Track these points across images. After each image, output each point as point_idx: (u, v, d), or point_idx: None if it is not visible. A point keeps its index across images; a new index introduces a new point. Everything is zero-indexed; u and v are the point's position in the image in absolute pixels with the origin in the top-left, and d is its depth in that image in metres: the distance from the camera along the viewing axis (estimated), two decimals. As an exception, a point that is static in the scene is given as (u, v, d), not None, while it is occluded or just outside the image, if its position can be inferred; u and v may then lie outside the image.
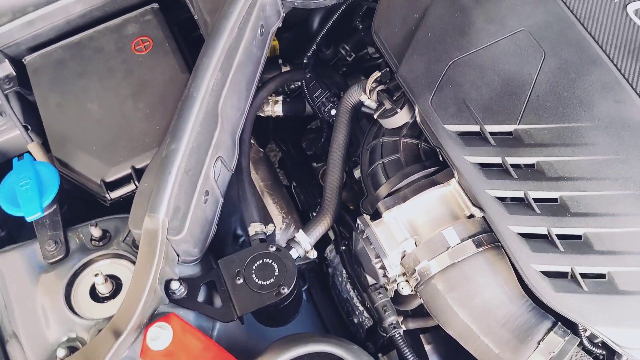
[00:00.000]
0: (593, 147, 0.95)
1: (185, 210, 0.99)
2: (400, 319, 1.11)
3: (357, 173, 1.24)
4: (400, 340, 1.03)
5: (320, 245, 1.28)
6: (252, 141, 1.47)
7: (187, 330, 0.94)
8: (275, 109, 1.42)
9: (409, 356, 1.02)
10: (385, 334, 1.05)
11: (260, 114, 1.43)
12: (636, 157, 0.93)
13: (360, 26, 1.44)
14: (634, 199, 0.91)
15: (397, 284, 1.00)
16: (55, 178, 1.09)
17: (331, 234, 1.34)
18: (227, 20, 1.08)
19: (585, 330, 0.94)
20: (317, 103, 1.32)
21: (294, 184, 1.52)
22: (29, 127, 1.26)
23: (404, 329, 1.08)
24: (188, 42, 1.37)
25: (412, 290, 1.00)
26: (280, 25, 1.26)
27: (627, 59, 1.01)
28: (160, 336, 0.91)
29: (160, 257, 0.95)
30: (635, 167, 0.93)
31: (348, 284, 1.27)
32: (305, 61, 1.39)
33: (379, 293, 1.04)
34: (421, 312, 1.15)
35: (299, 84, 1.45)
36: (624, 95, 0.98)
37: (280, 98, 1.43)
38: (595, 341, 0.96)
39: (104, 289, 1.00)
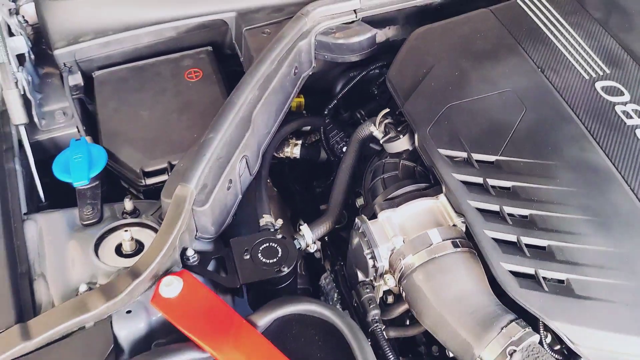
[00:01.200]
0: (560, 180, 1.13)
1: (210, 188, 1.16)
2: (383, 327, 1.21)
3: (359, 201, 1.41)
4: (380, 335, 1.13)
5: (314, 276, 1.42)
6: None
7: (197, 285, 1.07)
8: (294, 150, 1.63)
9: (387, 351, 1.11)
10: (367, 328, 1.15)
11: (280, 155, 1.63)
12: (596, 192, 1.11)
13: (376, 92, 1.69)
14: (592, 223, 1.07)
15: (384, 279, 1.14)
16: (103, 157, 1.28)
17: (327, 266, 1.48)
18: (270, 52, 1.33)
19: (545, 333, 1.05)
20: (332, 142, 1.53)
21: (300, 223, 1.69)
22: (85, 128, 1.47)
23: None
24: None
25: (396, 285, 1.13)
26: (310, 73, 1.51)
27: (593, 120, 1.22)
28: (172, 284, 1.04)
29: (184, 220, 1.10)
30: (595, 200, 1.10)
31: (339, 304, 1.38)
32: (325, 112, 1.63)
33: (366, 288, 1.17)
34: (402, 322, 1.25)
35: (317, 138, 1.68)
36: (588, 145, 1.18)
37: (300, 142, 1.64)
38: (555, 347, 1.06)
39: (128, 246, 1.14)
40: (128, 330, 1.02)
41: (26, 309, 1.06)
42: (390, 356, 1.10)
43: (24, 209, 1.23)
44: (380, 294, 1.22)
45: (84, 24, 1.50)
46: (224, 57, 1.67)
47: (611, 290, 1.01)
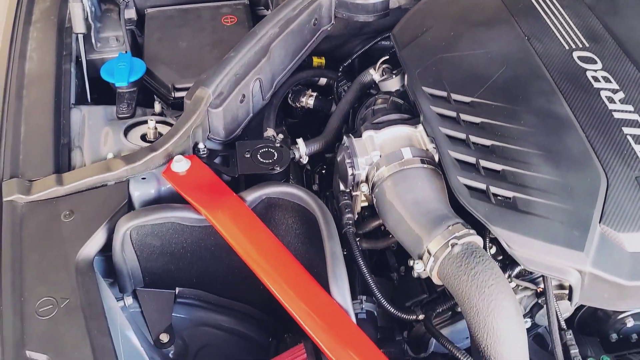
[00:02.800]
0: (523, 121, 1.30)
1: (225, 96, 1.38)
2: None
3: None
4: (350, 235, 1.30)
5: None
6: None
7: (202, 167, 1.28)
8: (308, 101, 1.84)
9: (354, 247, 1.28)
10: (340, 229, 1.33)
11: (296, 104, 1.84)
12: (552, 133, 1.27)
13: (388, 57, 1.88)
14: (543, 157, 1.23)
15: (360, 187, 1.32)
16: (142, 67, 1.53)
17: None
18: (293, 1, 1.56)
19: (490, 245, 1.21)
20: (340, 90, 1.74)
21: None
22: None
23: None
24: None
25: (368, 192, 1.31)
26: (328, 30, 1.72)
27: (564, 80, 1.38)
28: (182, 162, 1.26)
29: (199, 116, 1.32)
30: (550, 140, 1.26)
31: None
32: (340, 69, 1.83)
33: (344, 196, 1.35)
34: (375, 235, 1.43)
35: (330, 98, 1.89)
36: (555, 98, 1.34)
37: (315, 94, 1.85)
38: (498, 258, 1.22)
39: (152, 134, 1.37)
40: (141, 192, 1.24)
41: (63, 166, 1.29)
42: (357, 252, 1.27)
43: (72, 100, 1.49)
44: (358, 208, 1.40)
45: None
46: (255, 17, 1.91)
47: (550, 209, 1.16)
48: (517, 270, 1.20)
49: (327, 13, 1.67)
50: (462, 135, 1.28)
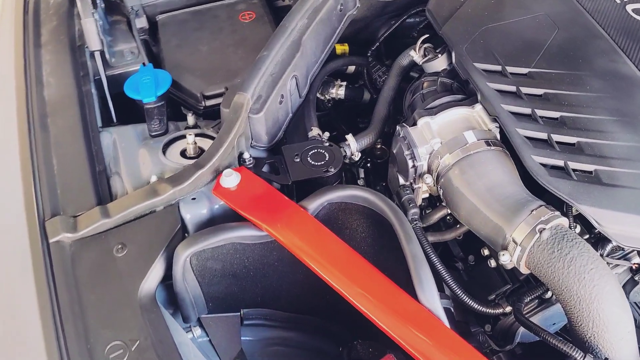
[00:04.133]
0: (590, 87, 1.20)
1: (265, 99, 1.28)
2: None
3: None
4: (419, 231, 1.22)
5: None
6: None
7: (253, 178, 1.19)
8: (338, 91, 1.74)
9: (425, 244, 1.20)
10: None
11: (325, 96, 1.74)
12: (624, 95, 1.18)
13: (416, 34, 1.78)
14: (619, 123, 1.14)
15: (423, 178, 1.23)
16: (168, 79, 1.43)
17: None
18: (318, -14, 1.45)
19: (574, 224, 1.12)
20: (375, 76, 1.64)
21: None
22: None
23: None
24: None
25: (433, 184, 1.22)
26: (355, 14, 1.62)
27: (623, 36, 1.29)
28: (231, 175, 1.17)
29: (241, 124, 1.23)
30: (623, 102, 1.17)
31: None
32: (369, 54, 1.73)
33: (406, 190, 1.26)
34: (439, 228, 1.35)
35: (361, 83, 1.79)
36: (617, 57, 1.25)
37: (344, 83, 1.75)
38: (584, 237, 1.13)
39: (192, 150, 1.28)
40: (192, 214, 1.15)
41: (104, 196, 1.20)
42: (427, 248, 1.19)
43: (99, 123, 1.39)
44: (420, 201, 1.31)
45: (150, -29, 1.66)
46: (272, 10, 1.80)
47: (637, 178, 1.08)
48: (608, 248, 1.12)
49: (351, -4, 1.57)
50: (527, 110, 1.19)
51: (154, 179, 1.20)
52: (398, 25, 1.73)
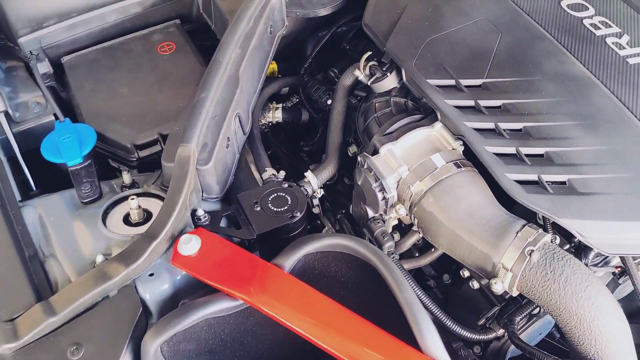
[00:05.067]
0: (545, 92, 1.18)
1: (212, 146, 1.15)
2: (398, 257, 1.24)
3: (351, 149, 1.43)
4: (398, 265, 1.16)
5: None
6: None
7: (214, 238, 1.07)
8: (275, 114, 1.63)
9: (407, 279, 1.14)
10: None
11: (262, 121, 1.63)
12: (579, 97, 1.17)
13: (348, 47, 1.70)
14: (581, 127, 1.13)
15: (395, 209, 1.16)
16: (92, 134, 1.25)
17: (326, 221, 1.50)
18: (246, 11, 1.33)
19: (554, 235, 1.10)
20: (315, 97, 1.54)
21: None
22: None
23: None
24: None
25: (407, 214, 1.16)
26: (284, 33, 1.51)
27: (564, 35, 1.28)
28: (191, 241, 1.03)
29: (191, 179, 1.09)
30: (580, 105, 1.16)
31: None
32: (302, 71, 1.64)
33: (378, 223, 1.19)
34: (411, 255, 1.29)
35: (296, 101, 1.69)
36: (565, 58, 1.24)
37: (280, 105, 1.65)
38: (565, 247, 1.12)
39: (136, 215, 1.13)
40: (153, 293, 1.02)
41: (43, 288, 1.03)
42: (411, 283, 1.13)
43: (18, 197, 1.20)
44: (390, 229, 1.25)
45: (46, 8, 1.46)
46: (190, 33, 1.65)
47: (609, 183, 1.07)
48: (591, 255, 1.11)
49: (279, 16, 1.46)
50: (491, 125, 1.15)
51: (99, 258, 1.05)
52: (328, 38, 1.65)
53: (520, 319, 1.14)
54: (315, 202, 1.40)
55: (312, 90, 1.56)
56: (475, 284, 1.19)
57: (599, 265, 1.13)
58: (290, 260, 1.03)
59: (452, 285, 1.31)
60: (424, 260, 1.25)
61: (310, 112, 1.62)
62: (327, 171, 1.28)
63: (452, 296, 1.29)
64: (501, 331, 1.15)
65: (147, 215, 1.15)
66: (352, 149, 1.42)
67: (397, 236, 1.29)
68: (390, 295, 1.01)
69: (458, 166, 1.13)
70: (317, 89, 1.55)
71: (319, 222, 1.50)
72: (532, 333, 1.20)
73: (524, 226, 1.04)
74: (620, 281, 1.18)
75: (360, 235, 1.34)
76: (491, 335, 1.15)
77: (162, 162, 1.15)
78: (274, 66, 1.76)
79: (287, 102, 1.71)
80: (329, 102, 1.52)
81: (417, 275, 1.39)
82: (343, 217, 1.40)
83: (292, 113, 1.65)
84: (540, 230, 1.04)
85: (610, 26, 1.29)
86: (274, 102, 1.65)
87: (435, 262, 1.35)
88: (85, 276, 1.01)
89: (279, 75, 1.73)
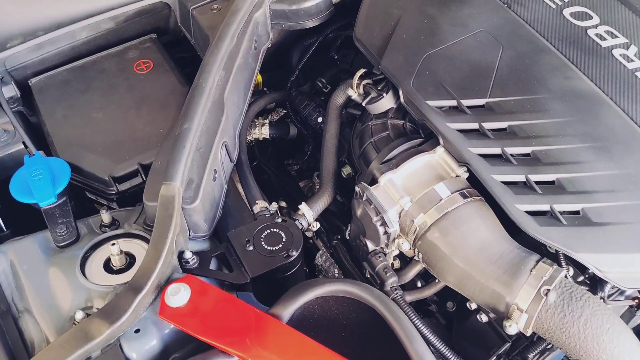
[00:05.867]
0: (552, 112, 1.11)
1: (198, 182, 1.06)
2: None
3: (345, 170, 1.34)
4: (402, 301, 1.09)
5: (308, 257, 1.35)
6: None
7: (205, 287, 0.98)
8: (262, 131, 1.54)
9: (413, 317, 1.07)
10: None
11: (248, 138, 1.54)
12: (589, 117, 1.10)
13: (336, 57, 1.61)
14: (593, 149, 1.06)
15: (397, 244, 1.09)
16: (66, 169, 1.15)
17: (319, 244, 1.42)
18: (229, 28, 1.23)
19: (567, 265, 1.04)
20: (304, 114, 1.45)
21: (280, 205, 1.61)
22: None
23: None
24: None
25: (410, 247, 1.08)
26: (269, 46, 1.42)
27: (569, 47, 1.21)
28: (179, 292, 0.95)
29: (177, 221, 1.00)
30: (590, 125, 1.09)
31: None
32: (289, 85, 1.54)
33: (379, 257, 1.11)
34: (414, 285, 1.22)
35: (282, 113, 1.60)
36: (571, 73, 1.16)
37: (267, 121, 1.55)
38: (579, 279, 1.06)
39: (118, 261, 1.03)
40: (140, 351, 0.93)
41: (18, 351, 0.94)
42: (418, 322, 1.05)
43: (-14, 243, 1.10)
44: (390, 261, 1.17)
45: (9, 27, 1.34)
46: (167, 45, 1.54)
47: (625, 211, 1.00)
48: (607, 289, 1.04)
49: (264, 30, 1.36)
50: (497, 150, 1.07)
51: (79, 315, 0.95)
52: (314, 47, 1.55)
53: (533, 356, 1.08)
54: (309, 234, 1.32)
55: (301, 107, 1.46)
56: (483, 317, 1.12)
57: (615, 297, 1.07)
58: (289, 309, 0.95)
59: (457, 315, 1.24)
60: (428, 292, 1.18)
61: (298, 128, 1.53)
62: (323, 202, 1.19)
63: (457, 328, 1.22)
64: (514, 369, 1.09)
65: (130, 259, 1.06)
66: (346, 170, 1.34)
67: (397, 263, 1.21)
68: (393, 336, 0.94)
69: (464, 196, 1.05)
70: (307, 106, 1.46)
71: (311, 241, 1.42)
72: (543, 366, 1.14)
73: (538, 262, 0.97)
74: (638, 314, 1.12)
75: (357, 262, 1.26)
76: (505, 375, 1.09)
77: (144, 201, 1.06)
78: (259, 78, 1.66)
79: (272, 115, 1.62)
80: (319, 119, 1.43)
81: (419, 300, 1.32)
82: (339, 242, 1.31)
83: (279, 128, 1.55)
84: (555, 266, 0.97)
85: (616, 36, 1.22)
86: (260, 117, 1.56)
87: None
88: (64, 337, 0.92)
89: (264, 89, 1.63)
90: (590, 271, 1.04)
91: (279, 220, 1.10)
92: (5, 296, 1.01)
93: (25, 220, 1.18)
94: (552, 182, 1.04)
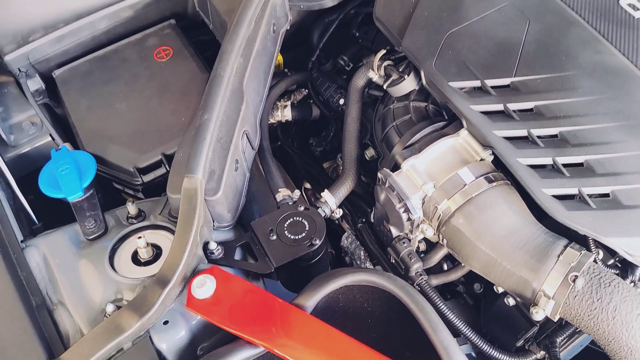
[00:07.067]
0: (582, 89, 1.07)
1: (219, 173, 1.07)
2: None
3: (368, 153, 1.33)
4: (427, 287, 1.08)
5: (334, 238, 1.35)
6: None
7: (230, 278, 0.99)
8: (284, 113, 1.53)
9: (438, 301, 1.07)
10: (412, 283, 1.10)
11: (271, 120, 1.53)
12: (621, 94, 1.05)
13: (358, 34, 1.58)
14: (625, 128, 1.02)
15: (421, 229, 1.08)
16: (92, 163, 1.17)
17: (345, 226, 1.42)
18: (245, 13, 1.21)
19: (597, 250, 1.01)
20: (326, 96, 1.44)
21: (305, 186, 1.61)
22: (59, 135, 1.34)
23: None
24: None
25: (434, 233, 1.07)
26: (288, 28, 1.39)
27: (599, 20, 1.15)
28: (205, 284, 0.96)
29: (200, 213, 1.01)
30: (622, 102, 1.05)
31: (367, 261, 1.33)
32: (310, 65, 1.52)
33: (403, 243, 1.11)
34: (440, 268, 1.21)
35: (304, 94, 1.58)
36: (602, 47, 1.11)
37: (289, 103, 1.54)
38: (608, 262, 1.03)
39: (145, 253, 1.06)
40: (169, 342, 0.95)
41: (54, 342, 0.97)
42: (443, 308, 1.05)
43: (19, 237, 1.13)
44: (415, 245, 1.16)
45: (31, 21, 1.35)
46: (187, 29, 1.53)
47: (659, 193, 0.97)
48: (638, 273, 1.02)
49: (282, 12, 1.34)
50: (523, 132, 1.04)
51: (110, 308, 0.98)
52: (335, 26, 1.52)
53: (562, 340, 1.07)
54: (336, 218, 1.32)
55: (323, 89, 1.45)
56: (510, 301, 1.11)
57: (647, 280, 1.04)
58: (313, 300, 0.96)
59: (485, 297, 1.23)
60: (455, 275, 1.17)
61: (321, 109, 1.51)
62: (345, 188, 1.19)
63: (485, 311, 1.21)
64: (541, 353, 1.08)
65: (157, 251, 1.08)
66: (370, 152, 1.33)
67: (423, 246, 1.21)
68: (419, 324, 0.94)
69: (490, 181, 1.03)
70: (328, 87, 1.44)
71: (337, 222, 1.42)
72: (573, 349, 1.13)
73: (565, 247, 0.95)
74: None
75: (382, 245, 1.26)
76: (531, 358, 1.08)
77: (167, 194, 1.07)
78: (279, 59, 1.64)
79: (295, 95, 1.60)
80: (341, 101, 1.41)
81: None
82: (364, 225, 1.31)
83: (301, 110, 1.54)
84: (584, 251, 0.95)
85: (651, 5, 1.16)
86: (282, 99, 1.55)
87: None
88: (97, 329, 0.95)
89: (285, 70, 1.61)
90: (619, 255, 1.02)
91: (302, 208, 1.10)
92: (40, 289, 1.04)
93: (57, 212, 1.21)
94: (581, 164, 1.01)
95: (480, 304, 1.27)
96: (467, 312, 1.27)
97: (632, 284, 1.01)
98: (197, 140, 1.06)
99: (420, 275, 1.10)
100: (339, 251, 1.40)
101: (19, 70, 1.37)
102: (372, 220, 1.26)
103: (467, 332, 1.05)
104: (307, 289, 0.97)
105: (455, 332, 1.05)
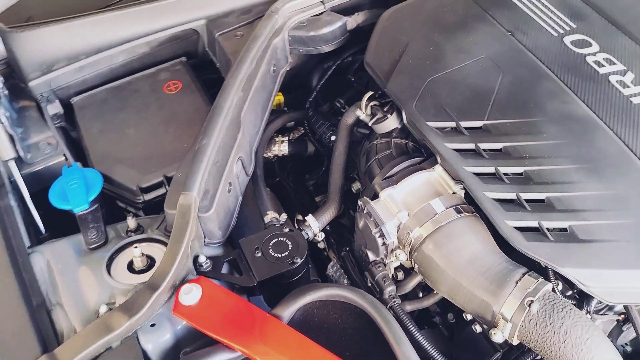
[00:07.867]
0: (547, 134, 1.17)
1: (213, 193, 1.17)
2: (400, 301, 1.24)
3: (355, 186, 1.43)
4: (399, 309, 1.16)
5: (322, 268, 1.44)
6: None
7: (215, 289, 1.08)
8: (281, 148, 1.65)
9: (408, 324, 1.14)
10: (385, 305, 1.17)
11: (268, 154, 1.65)
12: (583, 140, 1.16)
13: (353, 79, 1.71)
14: (584, 170, 1.12)
15: (395, 255, 1.16)
16: (99, 179, 1.28)
17: (332, 255, 1.51)
18: (248, 53, 1.35)
19: (556, 281, 1.09)
20: (319, 133, 1.55)
21: (298, 218, 1.70)
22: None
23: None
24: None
25: (407, 258, 1.16)
26: (288, 69, 1.53)
27: (567, 73, 1.27)
28: (191, 291, 1.05)
29: (192, 228, 1.11)
30: (583, 147, 1.15)
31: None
32: (307, 105, 1.65)
33: (379, 267, 1.19)
34: (415, 295, 1.29)
35: (302, 132, 1.70)
36: (568, 98, 1.23)
37: (286, 138, 1.66)
38: (567, 293, 1.11)
39: (140, 262, 1.15)
40: (155, 343, 1.03)
41: (49, 339, 1.06)
42: (412, 329, 1.13)
43: (27, 243, 1.23)
44: (392, 272, 1.25)
45: (56, 52, 1.49)
46: (197, 67, 1.67)
47: (611, 230, 1.06)
48: (593, 303, 1.09)
49: (282, 54, 1.48)
50: (491, 169, 1.14)
51: (103, 309, 1.07)
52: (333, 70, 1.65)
53: (524, 364, 1.13)
54: (319, 242, 1.41)
55: (317, 126, 1.56)
56: (477, 328, 1.18)
57: (603, 312, 1.11)
58: (289, 310, 1.04)
59: (457, 326, 1.30)
60: (428, 302, 1.24)
61: (315, 146, 1.63)
62: (328, 214, 1.29)
63: (456, 337, 1.28)
64: (506, 378, 1.14)
65: (150, 261, 1.17)
66: (356, 185, 1.43)
67: (400, 275, 1.29)
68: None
69: (459, 212, 1.13)
70: (321, 125, 1.56)
71: (325, 253, 1.51)
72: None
73: (524, 275, 1.03)
74: (624, 328, 1.16)
75: (362, 273, 1.34)
76: (497, 383, 1.14)
77: (164, 209, 1.17)
78: (280, 98, 1.77)
79: (292, 133, 1.72)
80: (332, 138, 1.53)
81: (424, 312, 1.38)
82: (348, 254, 1.40)
83: (297, 146, 1.66)
84: (541, 279, 1.03)
85: (614, 63, 1.28)
86: (280, 135, 1.67)
87: (440, 300, 1.34)
88: (89, 327, 1.04)
89: (285, 108, 1.74)
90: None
91: (287, 230, 1.20)
92: (41, 291, 1.13)
93: (62, 225, 1.31)
94: (542, 201, 1.10)
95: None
96: (441, 341, 1.33)
97: (588, 314, 1.09)
98: (195, 162, 1.17)
99: (394, 298, 1.17)
100: (325, 280, 1.48)
101: (41, 95, 1.50)
102: (354, 251, 1.34)
103: (434, 353, 1.12)
104: (284, 301, 1.05)
105: (424, 356, 1.13)
